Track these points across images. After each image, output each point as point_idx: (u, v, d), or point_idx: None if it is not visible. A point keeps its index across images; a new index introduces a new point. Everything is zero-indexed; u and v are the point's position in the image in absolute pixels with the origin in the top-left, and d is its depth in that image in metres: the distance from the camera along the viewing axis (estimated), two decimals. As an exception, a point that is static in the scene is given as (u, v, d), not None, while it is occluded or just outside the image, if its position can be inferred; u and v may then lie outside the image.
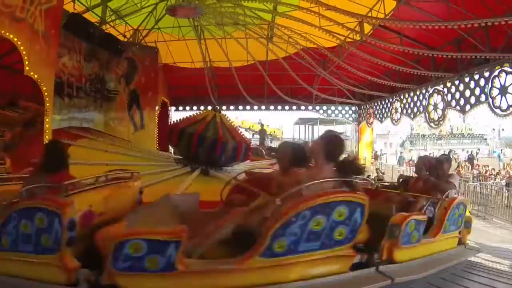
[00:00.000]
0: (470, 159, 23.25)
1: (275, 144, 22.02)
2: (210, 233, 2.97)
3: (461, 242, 4.47)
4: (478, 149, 33.57)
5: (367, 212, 3.07)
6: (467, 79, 10.64)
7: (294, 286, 2.92)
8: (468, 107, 10.70)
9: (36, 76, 6.42)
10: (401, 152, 28.31)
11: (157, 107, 13.99)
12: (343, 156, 3.18)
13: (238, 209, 3.15)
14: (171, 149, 12.10)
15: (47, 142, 3.76)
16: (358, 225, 3.07)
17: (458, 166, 21.39)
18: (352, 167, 3.17)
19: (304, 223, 2.84)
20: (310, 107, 18.78)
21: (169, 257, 2.64)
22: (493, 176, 17.17)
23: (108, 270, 2.65)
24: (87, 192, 3.48)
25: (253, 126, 27.05)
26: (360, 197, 3.03)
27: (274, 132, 26.44)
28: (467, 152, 29.57)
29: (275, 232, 2.78)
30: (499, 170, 19.46)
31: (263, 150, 12.64)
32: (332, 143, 3.14)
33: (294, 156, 3.48)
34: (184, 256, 2.70)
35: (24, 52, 6.10)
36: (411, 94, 14.08)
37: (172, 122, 11.17)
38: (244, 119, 26.38)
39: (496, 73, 9.51)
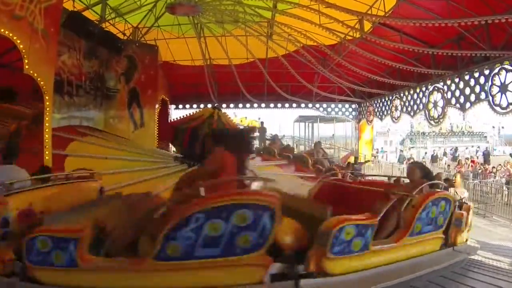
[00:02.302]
0: (486, 155, 23.08)
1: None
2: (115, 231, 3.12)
3: (449, 243, 4.06)
4: (478, 147, 33.56)
5: (279, 216, 2.78)
6: (467, 77, 10.63)
7: None
8: (468, 105, 10.69)
9: (35, 74, 6.40)
10: (401, 150, 28.28)
11: (157, 105, 13.97)
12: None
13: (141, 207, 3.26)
14: (172, 147, 12.10)
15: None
16: (268, 231, 2.75)
17: (458, 164, 21.39)
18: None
19: (198, 227, 2.65)
20: (310, 105, 18.75)
21: (70, 254, 2.80)
22: (493, 174, 17.15)
23: (26, 263, 2.88)
24: (30, 192, 3.67)
25: (251, 123, 27.00)
26: (267, 200, 2.74)
27: (251, 123, 26.27)
28: (469, 147, 29.67)
29: (166, 236, 2.66)
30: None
31: (275, 150, 11.79)
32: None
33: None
34: (87, 253, 2.83)
35: (23, 51, 6.07)
36: (411, 92, 14.07)
37: (172, 120, 11.16)
38: (243, 116, 26.28)
39: (496, 70, 9.50)
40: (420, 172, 4.21)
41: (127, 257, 2.89)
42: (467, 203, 4.69)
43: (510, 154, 21.69)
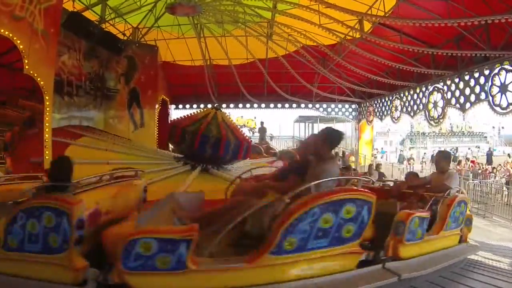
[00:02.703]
0: (489, 155, 23.04)
1: (274, 143, 22.01)
2: (220, 228, 2.93)
3: (462, 240, 4.50)
4: (478, 147, 33.57)
5: (374, 209, 3.12)
6: (467, 77, 10.63)
7: (303, 284, 2.91)
8: (468, 105, 10.69)
9: (35, 74, 6.41)
10: (401, 150, 28.29)
11: (157, 105, 13.98)
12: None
13: (245, 207, 3.08)
14: (171, 147, 12.09)
15: (54, 159, 3.55)
16: (366, 223, 3.12)
17: (458, 164, 21.39)
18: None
19: (314, 221, 2.86)
20: (310, 105, 18.74)
21: (180, 256, 2.63)
22: (492, 174, 17.16)
23: (118, 269, 2.62)
24: (94, 191, 3.42)
25: (248, 122, 26.94)
26: (367, 195, 3.08)
27: (248, 122, 26.19)
28: (470, 148, 29.62)
29: (285, 230, 2.79)
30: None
31: (261, 148, 12.63)
32: (333, 137, 3.32)
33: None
34: (195, 255, 2.69)
35: (23, 51, 6.08)
36: (411, 92, 14.07)
37: (172, 120, 11.16)
38: (239, 115, 26.20)
39: (496, 71, 9.50)
40: (447, 164, 4.69)
41: (235, 256, 2.86)
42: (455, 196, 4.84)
43: (509, 154, 21.67)
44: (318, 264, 3.01)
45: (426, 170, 21.01)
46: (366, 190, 3.17)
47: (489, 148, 27.11)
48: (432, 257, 3.81)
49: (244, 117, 25.77)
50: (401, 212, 3.65)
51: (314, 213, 2.84)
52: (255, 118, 25.05)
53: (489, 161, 21.59)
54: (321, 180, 3.00)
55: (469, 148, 32.51)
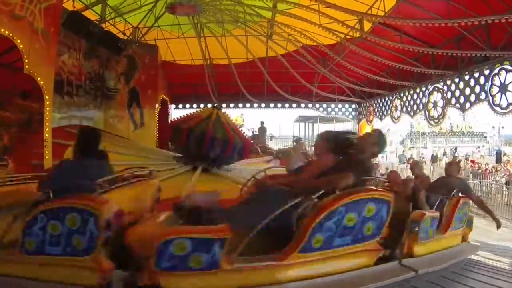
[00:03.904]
0: (498, 155, 23.20)
1: (274, 142, 22.00)
2: (248, 230, 2.92)
3: (463, 240, 4.65)
4: (478, 147, 33.56)
5: (392, 209, 3.26)
6: (467, 77, 10.64)
7: (326, 280, 3.03)
8: (468, 105, 10.70)
9: (35, 74, 6.41)
10: (403, 151, 28.27)
11: (157, 105, 13.98)
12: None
13: (272, 206, 3.05)
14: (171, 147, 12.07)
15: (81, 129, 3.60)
16: (384, 221, 3.28)
17: (458, 163, 21.32)
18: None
19: (339, 219, 2.99)
20: (310, 105, 18.76)
21: (213, 256, 2.65)
22: (492, 174, 17.16)
23: (150, 269, 2.61)
24: (115, 191, 3.34)
25: (236, 119, 26.93)
26: (386, 195, 3.26)
27: (236, 120, 26.22)
28: (473, 148, 29.61)
29: (314, 228, 2.90)
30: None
31: (258, 148, 12.59)
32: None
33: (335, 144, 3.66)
34: (227, 254, 2.72)
35: (23, 50, 6.08)
36: (411, 92, 14.08)
37: (172, 120, 11.15)
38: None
39: (496, 71, 9.51)
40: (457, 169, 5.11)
41: (260, 254, 2.90)
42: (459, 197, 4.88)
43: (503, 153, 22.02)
44: (342, 260, 3.17)
45: (426, 170, 20.96)
46: (383, 189, 3.37)
47: (498, 148, 27.25)
48: (442, 255, 4.01)
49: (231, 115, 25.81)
50: (415, 212, 3.82)
51: (340, 211, 2.98)
52: (242, 115, 25.04)
53: (499, 160, 21.88)
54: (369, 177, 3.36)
55: (476, 148, 32.56)
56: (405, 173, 15.73)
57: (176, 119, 9.55)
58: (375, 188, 3.30)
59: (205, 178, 7.59)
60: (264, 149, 12.71)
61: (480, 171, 17.55)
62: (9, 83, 7.64)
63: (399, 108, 15.17)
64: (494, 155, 28.06)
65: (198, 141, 7.93)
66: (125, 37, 14.05)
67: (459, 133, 37.81)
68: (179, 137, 8.33)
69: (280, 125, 31.86)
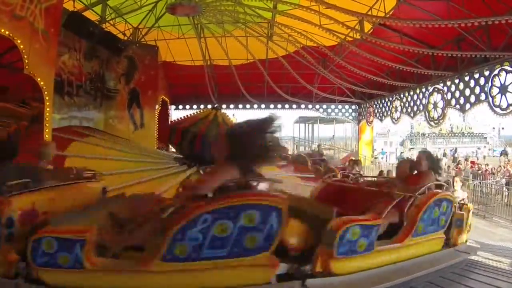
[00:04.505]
0: (504, 153, 23.46)
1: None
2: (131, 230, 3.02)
3: (450, 243, 4.10)
4: (478, 148, 33.60)
5: (286, 216, 2.79)
6: (467, 78, 10.64)
7: None
8: (468, 106, 10.71)
9: (35, 74, 6.40)
10: (401, 152, 28.30)
11: (157, 106, 13.97)
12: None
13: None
14: (171, 148, 12.09)
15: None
16: (275, 232, 2.77)
17: (458, 164, 21.40)
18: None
19: (206, 228, 2.65)
20: (310, 106, 18.78)
21: (76, 255, 2.78)
22: (493, 174, 17.17)
23: (29, 264, 2.84)
24: (31, 193, 3.60)
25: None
26: (274, 200, 2.77)
27: None
28: (473, 149, 29.58)
29: (174, 236, 2.66)
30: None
31: (308, 160, 10.79)
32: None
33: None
34: (94, 255, 2.82)
35: (23, 51, 6.07)
36: (411, 93, 14.08)
37: (172, 121, 11.15)
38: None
39: (496, 72, 9.52)
40: (427, 163, 4.26)
41: (134, 259, 2.88)
42: (467, 204, 4.70)
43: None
44: (220, 275, 2.78)
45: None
46: (273, 194, 2.85)
47: (504, 148, 27.42)
48: (383, 271, 3.30)
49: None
50: (336, 219, 3.17)
51: (205, 219, 2.65)
52: (233, 115, 25.15)
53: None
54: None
55: (479, 148, 32.60)
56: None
57: (176, 120, 9.55)
58: (259, 192, 2.85)
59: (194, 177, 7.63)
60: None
61: (480, 172, 17.55)
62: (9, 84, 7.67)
63: (399, 109, 15.18)
64: (495, 156, 28.19)
65: (190, 142, 7.98)
66: (125, 38, 14.05)
67: (459, 134, 37.87)
68: (174, 138, 8.38)
69: (280, 126, 31.92)
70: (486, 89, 9.87)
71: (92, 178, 4.58)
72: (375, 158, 23.00)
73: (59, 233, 2.83)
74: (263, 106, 18.82)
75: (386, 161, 25.65)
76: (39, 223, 3.13)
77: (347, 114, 19.51)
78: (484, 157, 26.14)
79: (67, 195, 3.97)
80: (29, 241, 2.84)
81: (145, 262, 2.77)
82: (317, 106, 18.86)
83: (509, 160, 20.27)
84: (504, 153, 24.75)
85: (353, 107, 19.39)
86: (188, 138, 8.00)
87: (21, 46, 6.05)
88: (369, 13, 10.75)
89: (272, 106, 18.96)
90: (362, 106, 18.83)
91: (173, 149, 11.66)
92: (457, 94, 11.14)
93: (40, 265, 2.81)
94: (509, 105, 9.18)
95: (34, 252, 2.81)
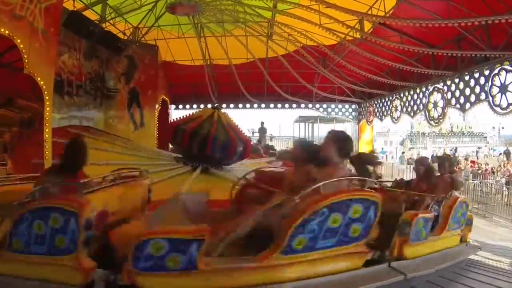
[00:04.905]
0: (507, 154, 23.55)
1: (274, 143, 22.01)
2: (230, 230, 2.94)
3: (462, 240, 4.56)
4: (480, 147, 33.59)
5: (380, 210, 3.17)
6: (467, 77, 10.63)
7: (312, 283, 2.96)
8: (468, 105, 10.69)
9: (35, 74, 6.40)
10: (402, 152, 28.28)
11: (157, 105, 13.97)
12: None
13: (256, 207, 3.09)
14: (171, 147, 12.07)
15: (69, 140, 3.56)
16: (372, 223, 3.17)
17: (458, 163, 21.37)
18: (369, 158, 3.61)
19: (322, 220, 2.91)
20: (310, 105, 18.76)
21: (190, 256, 2.64)
22: (493, 173, 17.15)
23: (128, 270, 2.62)
24: (101, 191, 3.40)
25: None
26: (374, 195, 3.14)
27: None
28: (474, 148, 29.60)
29: (295, 229, 2.83)
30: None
31: (260, 148, 12.68)
32: (341, 140, 3.29)
33: (308, 154, 3.43)
34: (205, 255, 2.70)
35: (23, 50, 6.07)
36: (411, 92, 14.07)
37: (172, 120, 11.15)
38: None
39: (496, 71, 9.50)
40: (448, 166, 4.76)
41: (243, 255, 2.88)
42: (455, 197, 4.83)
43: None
44: (327, 263, 3.07)
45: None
46: (371, 190, 3.22)
47: (507, 148, 27.49)
48: (435, 257, 3.89)
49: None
50: (406, 212, 3.72)
51: (323, 213, 2.89)
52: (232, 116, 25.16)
53: (509, 159, 22.33)
54: (330, 180, 3.03)
55: (479, 148, 32.59)
56: (405, 174, 15.75)
57: (176, 119, 9.54)
58: (361, 188, 3.24)
59: (203, 178, 7.61)
60: (267, 150, 12.81)
61: (480, 171, 17.54)
62: (8, 84, 7.67)
63: (399, 108, 15.17)
64: (494, 156, 28.22)
65: (200, 143, 7.94)
66: (125, 37, 14.05)
67: (459, 134, 37.84)
68: (179, 138, 8.33)
69: (280, 125, 31.95)
70: (486, 88, 9.86)
71: (140, 176, 4.35)
72: (375, 157, 22.92)
73: (172, 234, 2.64)
74: (263, 105, 18.82)
75: (386, 160, 25.62)
76: (110, 225, 2.97)
77: (347, 113, 19.50)
78: (486, 156, 26.08)
79: (127, 194, 3.82)
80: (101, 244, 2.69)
81: (265, 257, 2.83)
82: (317, 106, 18.84)
83: (508, 160, 20.26)
84: (507, 152, 24.72)
85: (353, 106, 19.37)
86: (198, 140, 7.95)
87: (21, 46, 6.05)
88: (369, 12, 10.74)
89: (272, 105, 18.95)
90: (362, 106, 18.82)
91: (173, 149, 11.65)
92: (457, 93, 11.13)
93: (143, 270, 2.62)
94: (509, 104, 9.16)
95: (136, 256, 2.59)
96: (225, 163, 8.56)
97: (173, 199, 3.69)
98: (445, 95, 11.80)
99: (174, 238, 2.63)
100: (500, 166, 18.47)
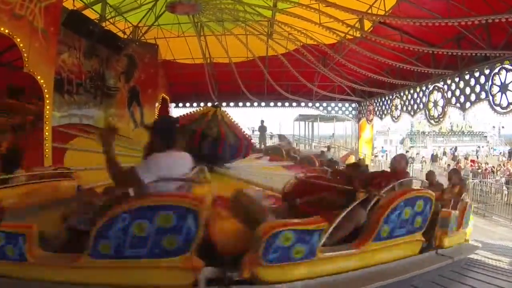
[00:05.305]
0: (510, 154, 23.64)
1: (274, 141, 21.99)
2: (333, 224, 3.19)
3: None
4: (479, 147, 33.59)
5: (434, 206, 3.75)
6: (467, 77, 10.62)
7: (390, 266, 3.40)
8: (468, 104, 10.69)
9: (35, 73, 6.41)
10: (406, 151, 28.30)
11: (157, 104, 13.97)
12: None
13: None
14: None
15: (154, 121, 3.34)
16: (428, 216, 3.71)
17: (457, 162, 21.40)
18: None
19: (400, 213, 3.42)
20: (310, 104, 18.76)
21: (312, 246, 2.88)
22: (493, 173, 17.16)
23: (250, 263, 2.70)
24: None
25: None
26: (431, 194, 3.69)
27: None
28: (474, 148, 29.54)
29: (384, 219, 3.33)
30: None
31: (283, 151, 12.14)
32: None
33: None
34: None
35: (23, 49, 6.09)
36: (411, 91, 14.07)
37: (178, 121, 11.15)
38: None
39: (496, 70, 9.49)
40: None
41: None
42: (466, 201, 4.78)
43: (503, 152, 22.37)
44: (397, 250, 3.54)
45: (426, 169, 21.01)
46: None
47: (510, 147, 27.57)
48: (463, 247, 4.50)
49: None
50: (444, 210, 4.21)
51: (400, 206, 3.40)
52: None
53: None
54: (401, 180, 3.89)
55: (480, 147, 32.61)
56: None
57: (182, 118, 9.53)
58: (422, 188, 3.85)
59: (212, 176, 7.64)
60: (289, 152, 12.54)
61: (480, 170, 17.55)
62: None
63: (399, 107, 15.16)
64: (496, 155, 28.24)
65: (189, 139, 7.96)
66: (125, 36, 14.04)
67: (459, 133, 37.86)
68: (189, 138, 8.34)
69: (280, 123, 31.94)
70: (486, 87, 9.85)
71: (67, 176, 4.73)
72: (375, 156, 23.02)
73: (298, 226, 2.82)
74: (263, 104, 18.82)
75: (386, 159, 25.62)
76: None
77: (347, 112, 19.48)
78: (487, 155, 26.07)
79: (37, 193, 4.13)
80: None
81: (360, 244, 3.29)
82: (317, 104, 18.82)
83: (509, 160, 20.29)
84: (511, 152, 24.82)
85: (353, 105, 19.36)
86: (210, 140, 7.97)
87: (21, 45, 6.07)
88: (369, 11, 10.72)
89: (272, 104, 18.95)
90: (362, 104, 18.82)
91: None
92: (457, 92, 11.12)
93: (270, 262, 2.71)
94: (509, 103, 9.15)
95: (267, 248, 2.65)
96: (224, 161, 8.58)
97: (238, 193, 3.51)
98: (445, 94, 11.79)
99: (300, 230, 2.82)
100: (500, 165, 18.48)
